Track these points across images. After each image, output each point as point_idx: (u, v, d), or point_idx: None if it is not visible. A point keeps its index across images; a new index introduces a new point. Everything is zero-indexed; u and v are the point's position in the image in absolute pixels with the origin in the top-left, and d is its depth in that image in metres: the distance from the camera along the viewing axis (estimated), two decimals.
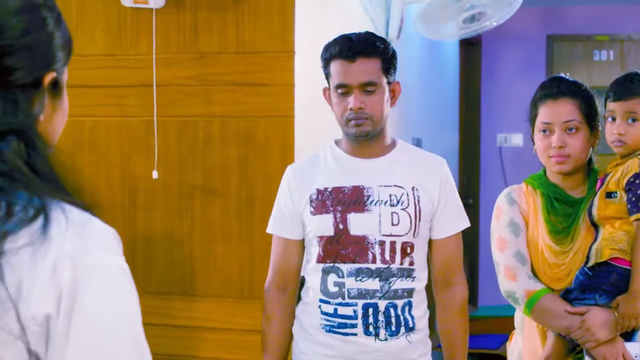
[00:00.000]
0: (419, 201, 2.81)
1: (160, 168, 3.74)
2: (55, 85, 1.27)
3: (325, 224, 2.80)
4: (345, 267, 2.77)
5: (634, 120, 2.74)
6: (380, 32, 4.56)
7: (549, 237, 2.81)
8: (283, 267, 2.92)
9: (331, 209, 2.80)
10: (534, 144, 2.89)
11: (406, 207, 2.79)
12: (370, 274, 2.76)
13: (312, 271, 2.86)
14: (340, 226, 2.78)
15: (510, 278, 2.80)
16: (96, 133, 3.84)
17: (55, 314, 1.12)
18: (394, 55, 2.85)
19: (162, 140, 3.75)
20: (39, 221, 1.13)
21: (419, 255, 2.83)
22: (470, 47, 7.77)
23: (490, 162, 8.00)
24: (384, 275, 2.76)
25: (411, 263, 2.80)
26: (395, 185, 2.81)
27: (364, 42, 2.79)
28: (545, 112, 2.82)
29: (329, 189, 2.82)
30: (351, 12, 4.46)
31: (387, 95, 2.81)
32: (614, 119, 2.78)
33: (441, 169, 2.89)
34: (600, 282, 2.67)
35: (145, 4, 3.67)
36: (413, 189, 2.82)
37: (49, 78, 1.25)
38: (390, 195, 2.79)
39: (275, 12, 3.63)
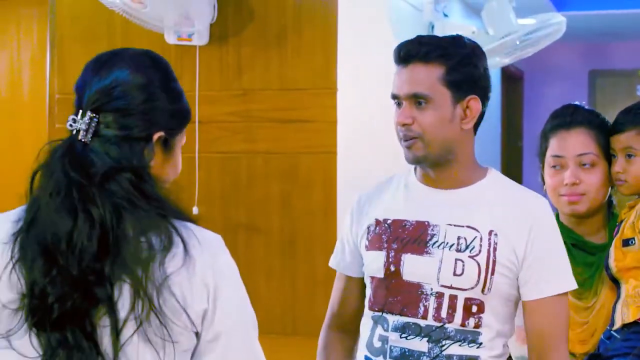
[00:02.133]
0: (495, 249, 2.16)
1: (202, 204, 3.75)
2: (166, 142, 1.72)
3: (376, 263, 2.24)
4: (392, 319, 2.21)
5: (630, 155, 2.40)
6: None
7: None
8: (339, 308, 2.43)
9: (385, 245, 2.23)
10: (543, 182, 2.56)
11: (476, 255, 2.16)
12: (418, 331, 2.17)
13: (364, 319, 2.32)
14: (392, 268, 2.21)
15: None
16: None
17: (207, 306, 1.61)
18: (468, 62, 2.19)
19: (204, 176, 3.77)
20: (180, 245, 1.58)
21: (493, 317, 2.18)
22: (512, 83, 7.74)
23: None
24: (434, 335, 2.16)
25: (477, 325, 2.16)
26: (467, 226, 2.18)
27: (420, 43, 2.19)
28: (556, 144, 2.47)
29: (389, 221, 2.25)
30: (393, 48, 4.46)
31: (450, 112, 2.17)
32: (613, 155, 2.45)
33: (536, 212, 2.21)
34: (630, 346, 2.27)
35: (189, 42, 3.70)
36: (490, 233, 2.17)
37: (156, 136, 1.69)
38: (458, 238, 2.18)
39: (318, 49, 3.65)
